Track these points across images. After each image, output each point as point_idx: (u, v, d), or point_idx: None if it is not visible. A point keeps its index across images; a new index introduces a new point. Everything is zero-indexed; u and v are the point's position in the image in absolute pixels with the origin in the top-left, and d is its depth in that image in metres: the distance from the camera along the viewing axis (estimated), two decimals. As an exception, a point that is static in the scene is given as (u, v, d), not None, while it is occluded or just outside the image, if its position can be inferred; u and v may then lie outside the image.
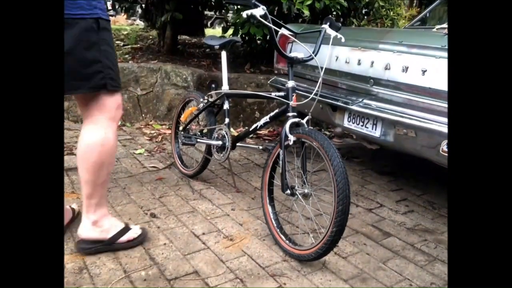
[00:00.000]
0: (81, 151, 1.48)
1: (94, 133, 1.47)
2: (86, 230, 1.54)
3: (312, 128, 1.62)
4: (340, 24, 1.81)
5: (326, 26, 1.79)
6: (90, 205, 1.52)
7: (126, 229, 1.62)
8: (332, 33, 1.78)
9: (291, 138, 1.61)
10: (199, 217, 1.92)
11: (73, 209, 1.81)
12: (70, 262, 1.50)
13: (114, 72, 1.46)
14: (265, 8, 1.58)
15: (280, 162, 1.66)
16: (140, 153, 2.78)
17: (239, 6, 3.78)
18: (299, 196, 1.64)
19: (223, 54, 2.19)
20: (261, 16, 1.57)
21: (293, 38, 1.77)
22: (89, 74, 1.39)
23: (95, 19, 1.36)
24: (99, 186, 1.51)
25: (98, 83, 1.41)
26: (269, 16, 1.58)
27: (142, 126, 3.40)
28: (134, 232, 1.64)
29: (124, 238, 1.60)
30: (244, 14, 1.59)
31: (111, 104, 1.48)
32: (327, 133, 3.63)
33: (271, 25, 1.59)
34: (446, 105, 1.72)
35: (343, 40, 1.77)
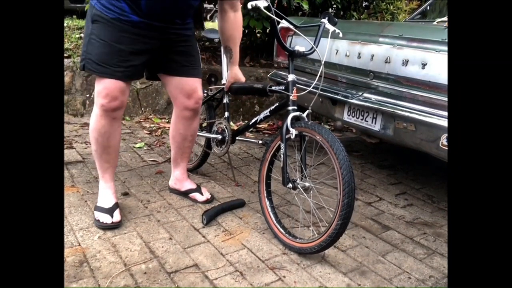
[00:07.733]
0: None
1: None
2: None
3: (314, 122, 1.62)
4: (336, 19, 1.81)
5: (325, 21, 1.79)
6: None
7: None
8: (330, 27, 1.78)
9: (293, 132, 1.61)
10: (199, 210, 1.92)
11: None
12: (71, 255, 1.51)
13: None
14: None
15: (282, 156, 1.66)
16: (139, 147, 2.78)
17: None
18: (301, 189, 1.64)
19: (223, 48, 2.18)
20: (264, 8, 1.58)
21: (295, 30, 1.76)
22: None
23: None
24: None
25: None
26: (272, 8, 1.59)
27: (142, 120, 3.39)
28: None
29: None
30: (249, 5, 1.59)
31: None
32: (327, 126, 3.63)
33: (274, 16, 1.59)
34: (446, 99, 1.72)
35: (340, 35, 1.77)
